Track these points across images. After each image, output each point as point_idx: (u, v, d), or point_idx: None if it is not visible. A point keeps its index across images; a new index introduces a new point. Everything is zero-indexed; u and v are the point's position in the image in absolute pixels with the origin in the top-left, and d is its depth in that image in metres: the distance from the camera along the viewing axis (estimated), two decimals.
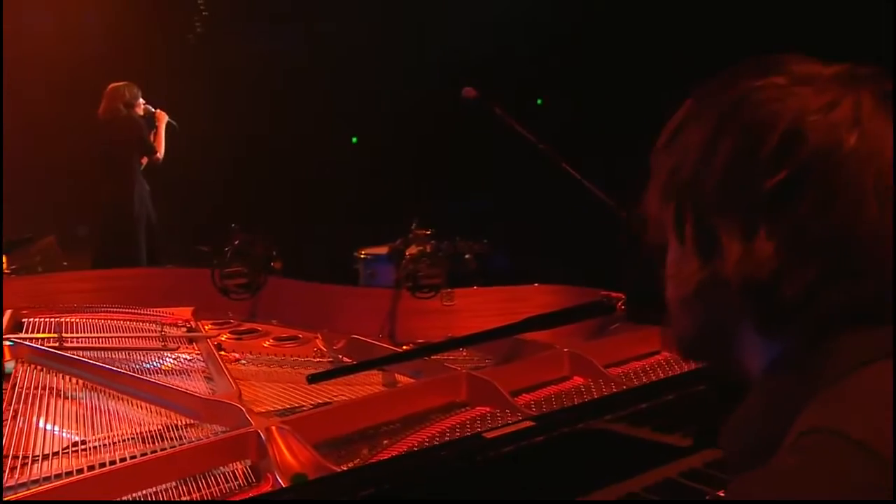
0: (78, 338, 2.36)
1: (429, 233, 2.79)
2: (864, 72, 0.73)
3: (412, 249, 2.67)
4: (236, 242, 2.63)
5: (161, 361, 2.23)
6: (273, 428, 1.52)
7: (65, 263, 5.46)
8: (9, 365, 2.11)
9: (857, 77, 0.72)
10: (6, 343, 2.15)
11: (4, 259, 5.05)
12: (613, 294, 2.15)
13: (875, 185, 0.68)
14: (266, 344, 2.43)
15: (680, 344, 0.87)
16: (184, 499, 1.43)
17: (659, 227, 0.81)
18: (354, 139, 7.76)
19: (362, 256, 4.11)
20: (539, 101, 7.14)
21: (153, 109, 5.17)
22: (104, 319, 2.57)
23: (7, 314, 2.51)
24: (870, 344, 0.70)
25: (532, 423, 1.54)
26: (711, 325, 0.80)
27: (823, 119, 0.69)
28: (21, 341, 2.18)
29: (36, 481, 1.47)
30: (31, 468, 1.53)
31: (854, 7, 4.37)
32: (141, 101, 5.09)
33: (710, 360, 0.87)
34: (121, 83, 5.07)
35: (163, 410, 1.83)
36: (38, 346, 2.16)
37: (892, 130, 0.70)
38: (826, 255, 0.69)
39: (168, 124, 5.19)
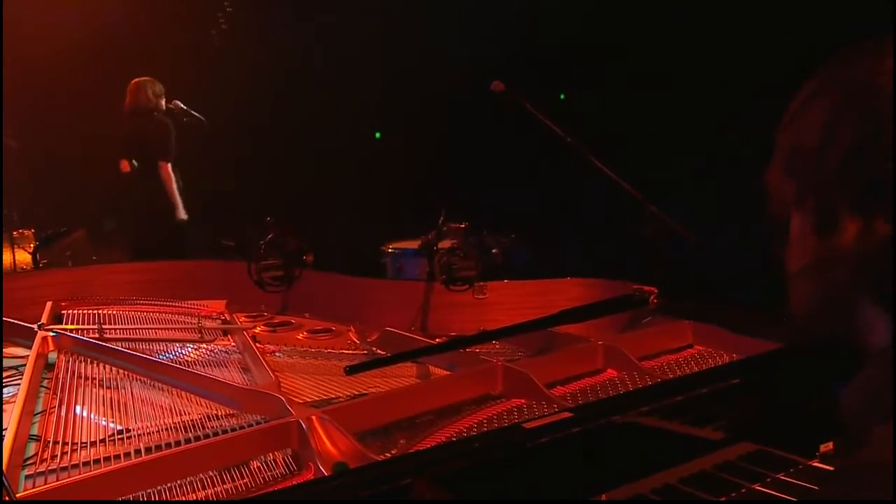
0: (117, 329, 2.41)
1: (464, 226, 2.80)
2: None
3: (445, 242, 2.69)
4: (270, 236, 2.66)
5: (195, 350, 2.27)
6: (314, 417, 1.54)
7: (94, 258, 5.54)
8: (51, 355, 2.16)
9: None
10: (49, 334, 2.20)
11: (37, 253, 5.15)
12: (646, 287, 2.16)
13: None
14: (300, 336, 2.47)
15: (800, 318, 0.88)
16: (227, 486, 1.45)
17: (779, 200, 0.84)
18: (378, 134, 7.78)
19: (389, 251, 4.13)
20: (562, 96, 7.13)
21: (183, 106, 5.21)
22: (141, 311, 2.62)
23: (47, 306, 2.57)
24: None
25: (569, 415, 1.55)
26: (830, 298, 0.82)
27: None
28: (63, 332, 2.23)
29: (76, 466, 1.51)
30: (80, 454, 1.57)
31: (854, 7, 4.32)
32: (163, 98, 5.15)
33: (827, 333, 0.88)
34: (144, 78, 5.12)
35: (202, 400, 1.86)
36: (80, 337, 2.20)
37: None
38: None
39: (195, 118, 5.24)
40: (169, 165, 5.06)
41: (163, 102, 5.14)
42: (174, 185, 5.09)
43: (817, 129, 0.79)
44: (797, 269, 0.85)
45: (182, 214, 5.16)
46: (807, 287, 0.85)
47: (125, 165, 5.16)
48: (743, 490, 1.63)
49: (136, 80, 5.13)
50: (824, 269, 0.80)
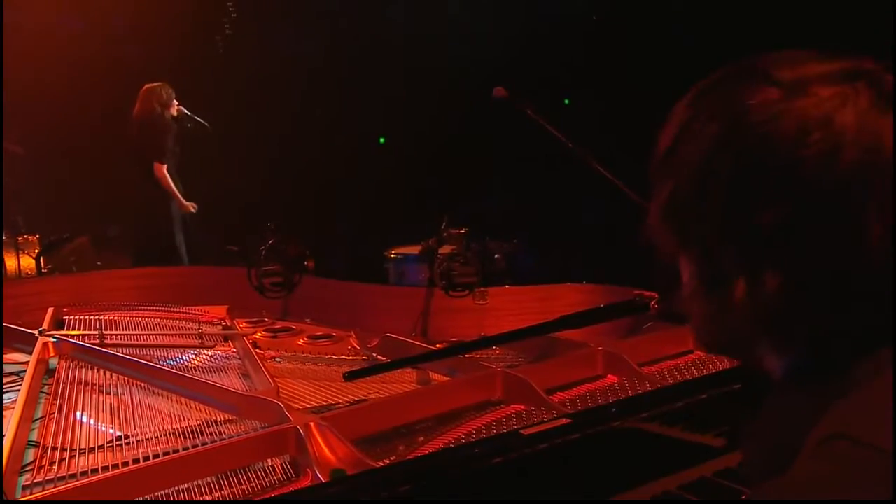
0: (118, 335, 2.41)
1: (463, 231, 2.80)
2: (861, 68, 0.68)
3: (445, 248, 2.69)
4: (271, 242, 2.67)
5: (196, 356, 2.27)
6: (312, 424, 1.54)
7: (98, 263, 5.56)
8: (52, 361, 2.17)
9: (850, 75, 0.68)
10: (50, 340, 2.20)
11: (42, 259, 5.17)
12: (646, 293, 2.15)
13: (877, 204, 0.65)
14: (301, 342, 2.47)
15: (698, 335, 0.84)
16: (224, 492, 1.45)
17: (665, 244, 0.77)
18: (382, 139, 7.79)
19: (392, 256, 4.13)
20: (566, 102, 7.12)
21: (186, 111, 5.22)
22: (142, 317, 2.63)
23: (49, 312, 2.57)
24: (877, 360, 0.68)
25: (568, 421, 1.54)
26: (727, 337, 0.78)
27: (821, 139, 0.65)
28: (64, 338, 2.23)
29: (73, 475, 1.51)
30: (78, 461, 1.57)
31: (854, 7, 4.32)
32: (175, 102, 5.15)
33: (732, 356, 0.87)
34: (156, 84, 5.14)
35: (201, 406, 1.86)
36: (81, 343, 2.21)
37: (890, 128, 0.65)
38: (833, 288, 0.67)
39: (201, 125, 5.25)
40: (164, 167, 5.07)
41: (172, 109, 5.15)
42: (171, 184, 5.09)
43: (690, 171, 0.71)
44: (692, 313, 0.79)
45: (189, 209, 5.16)
46: (703, 329, 0.80)
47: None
48: (743, 497, 1.62)
49: (147, 85, 5.15)
50: (716, 319, 0.75)
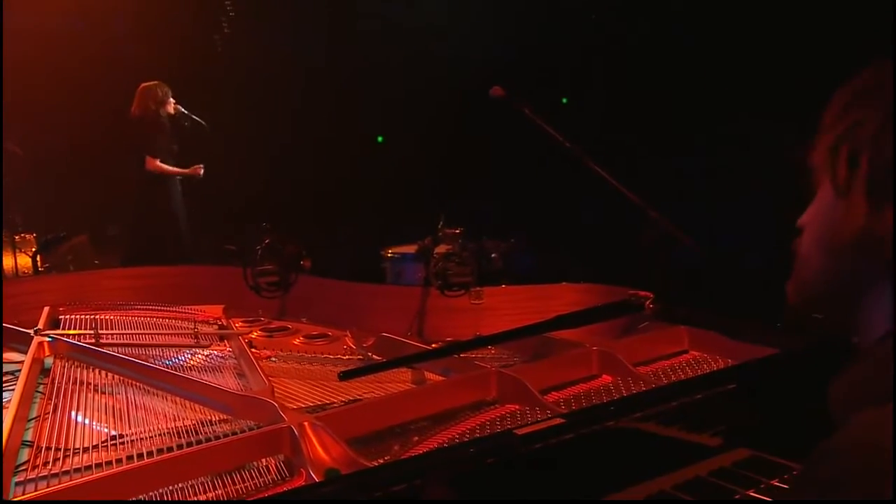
0: (113, 334, 2.41)
1: (458, 231, 2.80)
2: None
3: (441, 248, 2.69)
4: (267, 241, 2.67)
5: (191, 356, 2.27)
6: (306, 424, 1.54)
7: (96, 262, 5.56)
8: (47, 361, 2.17)
9: None
10: (45, 339, 2.20)
11: (39, 258, 5.17)
12: (641, 293, 2.15)
13: None
14: (296, 341, 2.47)
15: (801, 291, 0.91)
16: (218, 492, 1.45)
17: (816, 173, 0.87)
18: (380, 138, 7.79)
19: (389, 255, 4.13)
20: (564, 101, 7.13)
21: (184, 110, 5.23)
22: (138, 317, 2.62)
23: (45, 311, 2.57)
24: None
25: (562, 421, 1.54)
26: (848, 277, 0.85)
27: None
28: (59, 337, 2.23)
29: (67, 472, 1.52)
30: (72, 460, 1.57)
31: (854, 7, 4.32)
32: (171, 100, 5.16)
33: (823, 310, 0.91)
34: (152, 82, 5.14)
35: (196, 406, 1.86)
36: (76, 343, 2.21)
37: None
38: None
39: (198, 124, 5.26)
40: (157, 160, 5.09)
41: (168, 108, 5.16)
42: (168, 168, 5.15)
43: (881, 110, 0.81)
44: (822, 247, 0.87)
45: (197, 171, 5.25)
46: (823, 267, 0.87)
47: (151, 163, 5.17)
48: (737, 496, 1.62)
49: (143, 84, 5.16)
50: (860, 246, 0.81)
